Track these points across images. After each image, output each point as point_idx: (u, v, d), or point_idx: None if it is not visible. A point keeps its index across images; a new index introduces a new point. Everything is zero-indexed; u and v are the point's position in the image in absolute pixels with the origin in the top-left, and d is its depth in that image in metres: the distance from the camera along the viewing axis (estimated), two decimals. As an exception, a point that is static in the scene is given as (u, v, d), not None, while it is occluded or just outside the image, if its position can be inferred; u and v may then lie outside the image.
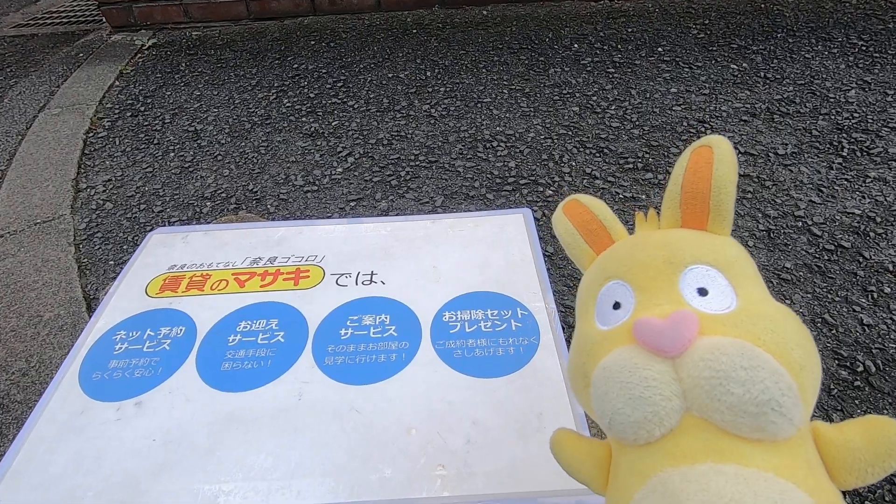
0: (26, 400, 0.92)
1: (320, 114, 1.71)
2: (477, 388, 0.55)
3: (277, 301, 0.66)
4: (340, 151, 1.53)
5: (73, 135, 1.67)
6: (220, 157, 1.55)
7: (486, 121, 1.62)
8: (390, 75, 1.89)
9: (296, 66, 2.00)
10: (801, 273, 1.09)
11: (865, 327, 0.97)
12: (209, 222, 1.31)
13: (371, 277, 0.69)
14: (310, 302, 0.66)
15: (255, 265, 0.72)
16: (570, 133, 1.54)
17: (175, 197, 1.41)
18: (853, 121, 1.49)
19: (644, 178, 1.36)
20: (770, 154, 1.40)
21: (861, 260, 1.10)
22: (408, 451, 0.50)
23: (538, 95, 1.72)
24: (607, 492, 0.33)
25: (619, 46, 1.95)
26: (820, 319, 0.99)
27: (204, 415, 0.54)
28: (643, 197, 1.29)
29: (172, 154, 1.58)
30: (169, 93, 1.89)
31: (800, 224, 1.19)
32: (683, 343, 0.29)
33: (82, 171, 1.54)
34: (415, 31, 2.20)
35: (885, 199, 1.24)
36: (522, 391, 0.55)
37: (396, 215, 1.29)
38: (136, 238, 1.29)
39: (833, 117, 1.51)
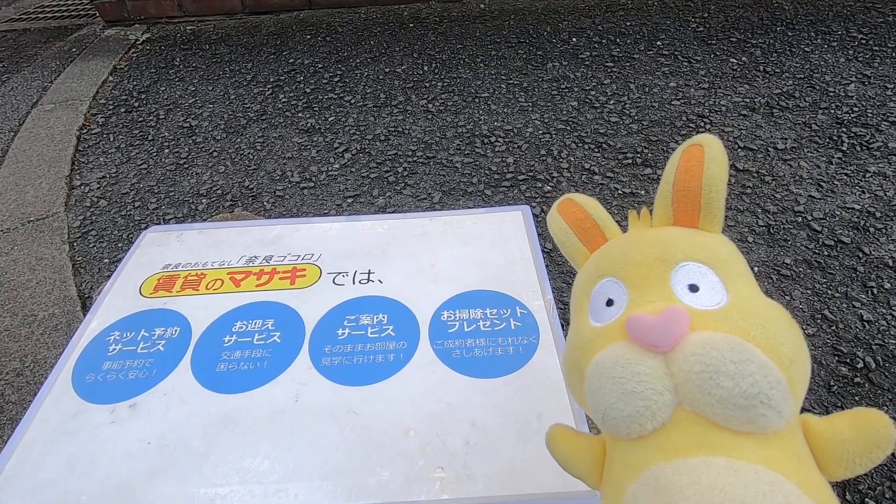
0: (21, 400, 0.91)
1: (316, 109, 1.69)
2: (476, 389, 0.55)
3: (273, 301, 0.65)
4: (337, 147, 1.52)
5: (67, 131, 1.66)
6: (215, 154, 1.54)
7: (483, 116, 1.60)
8: (387, 70, 1.87)
9: (291, 60, 1.98)
10: (801, 269, 1.08)
11: (865, 323, 0.97)
12: (205, 220, 1.30)
13: (368, 276, 0.68)
14: (306, 301, 0.65)
15: (250, 264, 0.71)
16: (568, 128, 1.53)
17: (170, 194, 1.40)
18: (853, 115, 1.48)
19: (643, 173, 1.35)
20: (770, 149, 1.39)
21: (861, 255, 1.10)
22: (406, 453, 0.49)
23: (536, 90, 1.70)
24: (602, 486, 0.34)
25: (618, 40, 1.94)
26: (820, 315, 0.99)
27: (199, 417, 0.53)
28: (642, 192, 1.28)
29: (167, 150, 1.57)
30: (163, 88, 1.87)
31: (799, 219, 1.19)
32: (675, 338, 0.29)
33: (76, 167, 1.52)
34: (412, 25, 2.18)
35: (885, 194, 1.23)
36: (522, 392, 0.54)
37: (394, 212, 1.28)
38: (130, 236, 1.28)
39: (833, 111, 1.50)
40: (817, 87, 1.61)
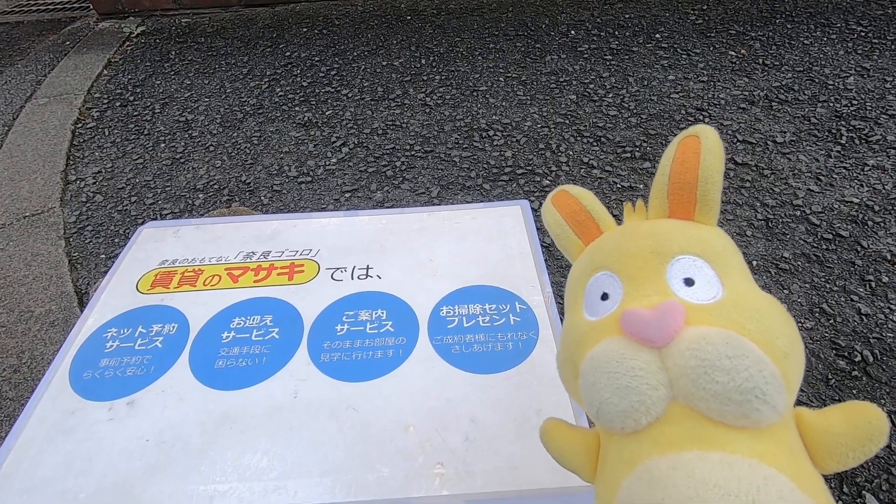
0: (18, 397, 0.91)
1: (314, 103, 1.68)
2: (475, 385, 0.54)
3: (271, 296, 0.65)
4: (335, 141, 1.51)
5: (62, 125, 1.64)
6: (212, 148, 1.53)
7: (482, 109, 1.59)
8: (384, 63, 1.86)
9: (288, 53, 1.97)
10: (800, 263, 1.08)
11: (863, 317, 0.97)
12: (202, 215, 1.29)
13: (367, 271, 0.68)
14: (304, 297, 0.65)
15: (248, 260, 0.70)
16: (567, 122, 1.52)
17: (167, 189, 1.39)
18: (852, 108, 1.48)
19: (642, 167, 1.34)
20: (768, 142, 1.39)
21: (859, 249, 1.10)
22: (406, 449, 0.49)
23: (535, 83, 1.69)
24: (596, 479, 0.34)
25: (617, 33, 1.93)
26: (818, 309, 0.99)
27: (197, 414, 0.53)
28: (641, 186, 1.28)
29: (163, 145, 1.56)
30: (159, 82, 1.86)
31: (798, 213, 1.19)
32: (670, 333, 0.29)
33: (71, 162, 1.51)
34: (409, 17, 2.16)
35: (884, 188, 1.23)
36: (521, 387, 0.54)
37: (392, 206, 1.28)
38: (127, 231, 1.27)
39: (832, 105, 1.50)
40: (816, 80, 1.60)
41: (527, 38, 1.94)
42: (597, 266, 0.36)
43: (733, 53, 1.76)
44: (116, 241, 1.25)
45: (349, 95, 1.71)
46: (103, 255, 1.21)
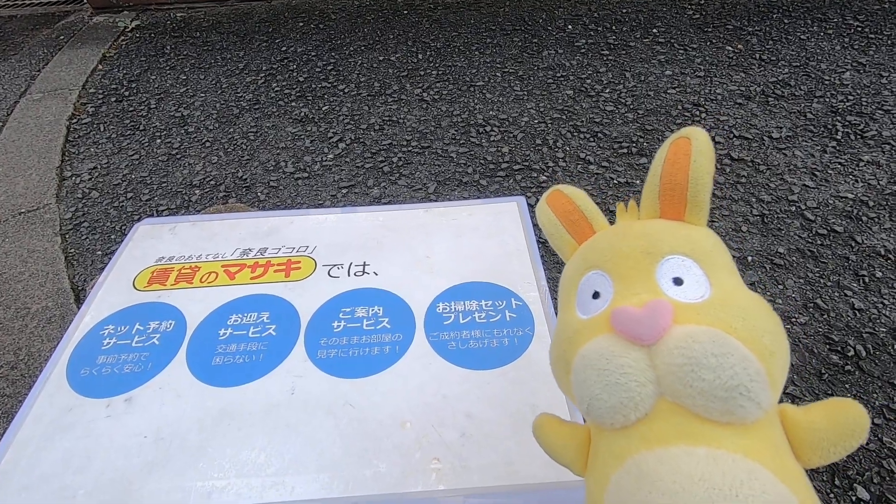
0: (16, 393, 0.91)
1: (310, 98, 1.68)
2: (471, 381, 0.55)
3: (268, 293, 0.65)
4: (331, 137, 1.51)
5: (56, 121, 1.63)
6: (208, 144, 1.52)
7: (479, 105, 1.59)
8: (381, 58, 1.85)
9: (284, 48, 1.96)
10: (794, 258, 1.09)
11: (857, 312, 0.98)
12: (198, 211, 1.29)
13: (363, 268, 0.68)
14: (301, 294, 0.65)
15: (244, 256, 0.71)
16: (564, 117, 1.52)
17: (163, 185, 1.39)
18: (848, 103, 1.48)
19: (638, 162, 1.35)
20: (764, 138, 1.39)
21: (853, 244, 1.11)
22: (402, 445, 0.50)
23: (532, 78, 1.69)
24: (587, 473, 0.35)
25: (614, 27, 1.92)
26: (812, 304, 1.00)
27: (195, 411, 0.53)
28: (637, 182, 1.28)
29: (159, 141, 1.55)
30: (154, 77, 1.85)
31: (793, 209, 1.19)
32: (658, 331, 0.30)
33: (67, 158, 1.50)
34: (405, 11, 2.15)
35: (878, 183, 1.24)
36: (517, 383, 0.54)
37: (389, 202, 1.28)
38: (123, 227, 1.27)
39: (828, 100, 1.50)
40: (813, 76, 1.60)
41: (524, 33, 1.93)
42: (589, 265, 0.37)
43: (730, 48, 1.76)
44: (113, 237, 1.24)
45: (346, 91, 1.70)
46: (100, 252, 1.21)
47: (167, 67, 1.90)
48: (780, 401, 0.31)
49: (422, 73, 1.76)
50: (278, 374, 0.56)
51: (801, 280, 1.05)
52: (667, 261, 0.34)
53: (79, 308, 0.66)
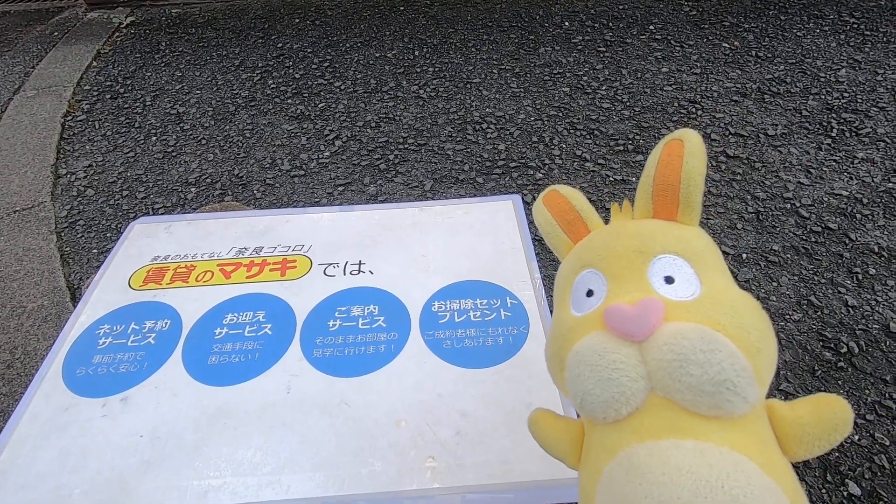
0: (12, 392, 0.91)
1: (306, 95, 1.67)
2: (467, 379, 0.55)
3: (264, 292, 0.66)
4: (328, 135, 1.51)
5: (51, 118, 1.63)
6: (203, 141, 1.52)
7: (475, 102, 1.59)
8: (377, 55, 1.85)
9: (280, 45, 1.95)
10: (789, 255, 1.09)
11: (850, 308, 0.99)
12: (194, 209, 1.29)
13: (359, 267, 0.68)
14: (297, 293, 0.65)
15: (240, 255, 0.71)
16: (560, 114, 1.52)
17: (158, 183, 1.38)
18: (843, 101, 1.49)
19: (634, 160, 1.35)
20: (760, 135, 1.40)
21: (847, 241, 1.11)
22: (397, 443, 0.50)
23: (528, 75, 1.69)
24: (580, 466, 0.36)
25: (611, 24, 1.92)
26: (806, 301, 1.00)
27: (191, 410, 0.54)
28: (633, 179, 1.28)
29: (154, 138, 1.54)
30: (149, 74, 1.84)
31: (788, 206, 1.20)
32: (649, 328, 0.31)
33: (61, 156, 1.50)
34: (402, 8, 2.14)
35: (873, 180, 1.24)
36: (512, 381, 0.55)
37: (385, 200, 1.28)
38: (119, 225, 1.26)
39: (823, 97, 1.51)
40: (808, 73, 1.61)
41: (521, 30, 1.93)
42: (583, 264, 0.38)
43: (727, 45, 1.76)
44: (108, 235, 1.24)
45: (342, 88, 1.70)
46: (95, 250, 1.21)
47: (162, 64, 1.89)
48: (774, 397, 0.31)
49: (418, 69, 1.76)
50: (274, 373, 0.57)
51: (796, 277, 1.05)
52: (659, 260, 0.34)
53: (75, 307, 0.66)
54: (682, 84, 1.60)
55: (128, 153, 1.49)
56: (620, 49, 1.78)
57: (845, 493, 0.76)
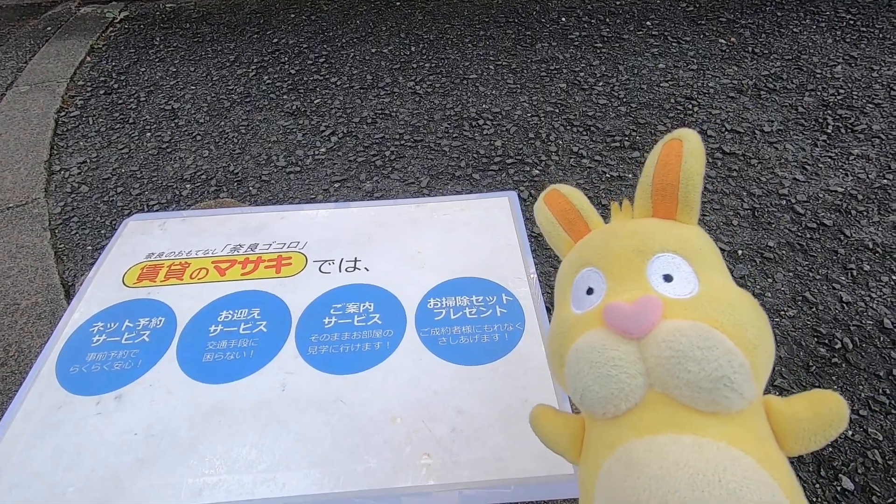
0: (6, 390, 0.91)
1: (302, 91, 1.66)
2: (462, 376, 0.55)
3: (259, 289, 0.65)
4: (323, 131, 1.50)
5: (44, 114, 1.61)
6: (198, 137, 1.51)
7: (472, 98, 1.59)
8: (374, 50, 1.84)
9: (276, 40, 1.94)
10: (784, 251, 1.10)
11: (844, 305, 0.99)
12: (189, 206, 1.28)
13: (354, 264, 0.68)
14: (292, 290, 0.65)
15: (235, 252, 0.70)
16: (557, 110, 1.52)
17: (153, 179, 1.38)
18: (839, 97, 1.49)
19: (631, 156, 1.35)
20: (756, 131, 1.40)
21: (842, 238, 1.12)
22: (393, 440, 0.50)
23: (525, 71, 1.68)
24: (580, 461, 0.36)
25: (608, 20, 1.92)
26: (801, 297, 1.01)
27: (186, 408, 0.53)
28: (629, 176, 1.28)
29: (149, 134, 1.53)
30: (143, 69, 1.82)
31: (784, 202, 1.20)
32: (648, 326, 0.31)
33: (55, 152, 1.48)
34: (398, 3, 2.13)
35: (868, 177, 1.25)
36: (507, 378, 0.55)
37: (381, 197, 1.27)
38: (113, 222, 1.26)
39: (819, 93, 1.51)
40: (804, 69, 1.61)
41: (517, 25, 1.92)
42: (583, 262, 0.38)
43: (723, 41, 1.76)
44: (103, 232, 1.23)
45: (338, 83, 1.69)
46: (90, 247, 1.20)
47: (157, 59, 1.88)
48: (769, 393, 0.32)
49: (414, 65, 1.75)
50: (269, 371, 0.56)
51: (791, 273, 1.06)
52: (657, 258, 0.35)
53: (68, 304, 0.65)
54: (678, 80, 1.60)
55: (122, 149, 1.48)
56: (617, 45, 1.78)
57: (839, 488, 0.77)
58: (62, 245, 1.21)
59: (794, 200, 1.20)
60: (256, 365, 0.57)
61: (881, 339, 0.94)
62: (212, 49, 1.91)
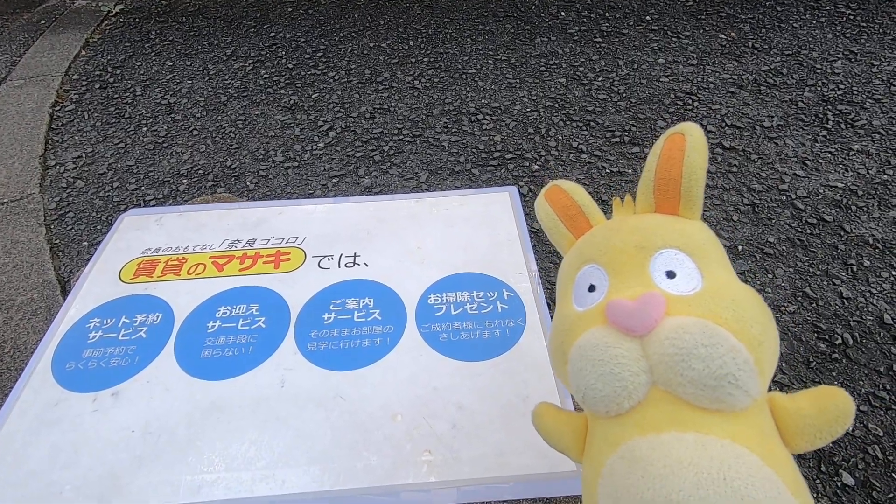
0: (1, 387, 0.90)
1: (299, 86, 1.65)
2: (463, 373, 0.55)
3: (257, 285, 0.64)
4: (321, 125, 1.49)
5: (39, 108, 1.60)
6: (195, 132, 1.50)
7: (471, 93, 1.58)
8: (372, 45, 1.83)
9: (273, 34, 1.92)
10: (784, 247, 1.09)
11: (844, 300, 0.99)
12: (186, 201, 1.27)
13: (354, 259, 0.67)
14: (291, 286, 0.64)
15: (233, 248, 0.70)
16: (556, 105, 1.51)
17: (149, 174, 1.36)
18: (839, 92, 1.48)
19: (630, 151, 1.34)
20: (756, 127, 1.39)
21: (842, 233, 1.11)
22: (393, 437, 0.50)
23: (524, 66, 1.68)
24: (583, 459, 0.36)
25: (607, 14, 1.91)
26: (801, 293, 1.01)
27: (184, 404, 0.53)
28: (629, 171, 1.28)
29: (145, 129, 1.52)
30: (139, 63, 1.81)
31: (784, 198, 1.20)
32: (651, 323, 0.31)
33: (50, 147, 1.47)
34: (396, -3, 2.11)
35: (868, 172, 1.24)
36: (508, 374, 0.54)
37: (380, 192, 1.27)
38: (109, 218, 1.25)
39: (819, 89, 1.50)
40: (805, 64, 1.60)
41: (516, 20, 1.91)
42: (585, 259, 0.38)
43: (723, 36, 1.75)
44: (99, 227, 1.22)
45: (336, 78, 1.68)
46: (86, 243, 1.19)
47: (153, 53, 1.86)
48: (770, 389, 0.31)
49: (413, 60, 1.74)
50: (268, 367, 0.56)
51: (791, 269, 1.05)
52: (660, 254, 0.34)
53: (64, 300, 0.65)
54: (678, 75, 1.59)
55: (118, 144, 1.47)
56: (617, 39, 1.77)
57: (839, 484, 0.77)
58: (58, 240, 1.20)
59: (794, 196, 1.20)
60: (255, 361, 0.56)
61: (881, 334, 0.94)
62: (208, 43, 1.90)
